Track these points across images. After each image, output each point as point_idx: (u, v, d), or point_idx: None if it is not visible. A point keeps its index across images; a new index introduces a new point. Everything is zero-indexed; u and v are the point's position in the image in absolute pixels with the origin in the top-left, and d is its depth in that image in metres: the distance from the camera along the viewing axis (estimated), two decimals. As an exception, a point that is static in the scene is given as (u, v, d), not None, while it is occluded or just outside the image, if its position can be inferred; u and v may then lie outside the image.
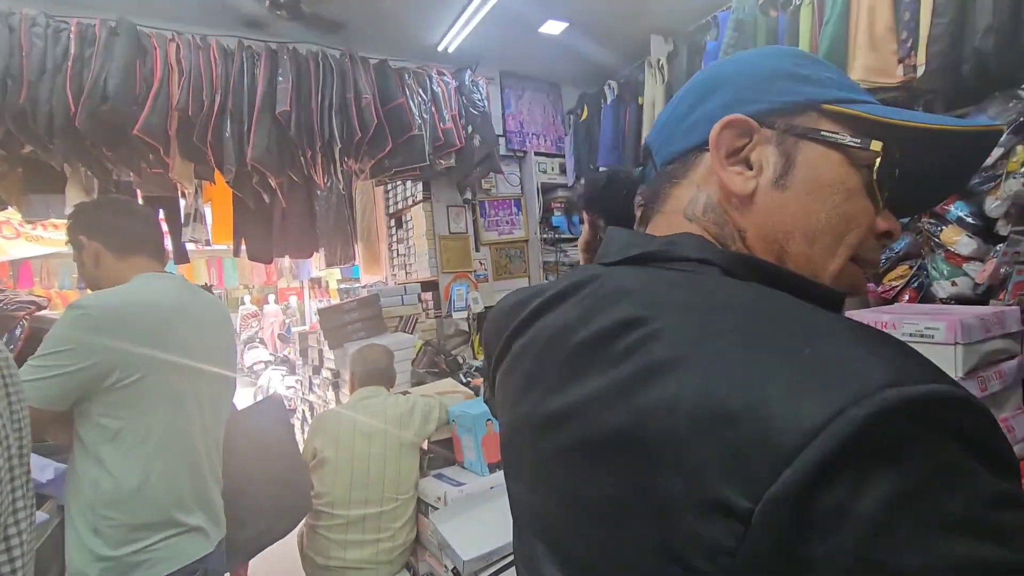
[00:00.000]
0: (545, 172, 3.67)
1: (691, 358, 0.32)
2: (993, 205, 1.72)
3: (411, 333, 2.91)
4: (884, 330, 0.94)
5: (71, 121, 2.03)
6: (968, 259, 1.82)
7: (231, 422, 1.31)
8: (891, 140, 0.43)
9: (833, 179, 0.44)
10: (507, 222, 3.58)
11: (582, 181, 3.58)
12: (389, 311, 2.95)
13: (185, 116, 2.20)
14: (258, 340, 8.47)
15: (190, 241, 3.15)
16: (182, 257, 3.20)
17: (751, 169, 0.45)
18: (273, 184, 2.55)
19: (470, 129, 3.04)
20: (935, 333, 0.93)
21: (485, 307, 3.33)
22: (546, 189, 3.70)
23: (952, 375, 0.91)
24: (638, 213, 0.55)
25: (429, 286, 3.31)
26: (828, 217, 0.44)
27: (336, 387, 2.81)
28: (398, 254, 3.68)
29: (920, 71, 1.81)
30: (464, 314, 3.28)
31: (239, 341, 9.16)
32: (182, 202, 3.16)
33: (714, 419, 0.29)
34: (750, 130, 0.45)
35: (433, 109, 2.91)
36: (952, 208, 1.84)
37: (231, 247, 3.38)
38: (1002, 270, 1.72)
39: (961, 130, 0.43)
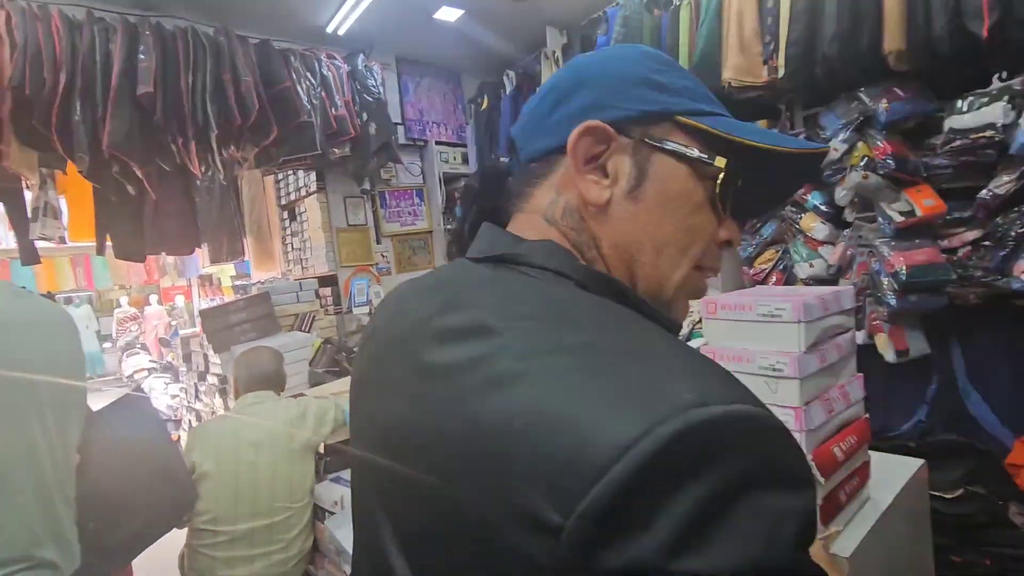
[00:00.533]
0: (447, 162, 3.63)
1: (530, 373, 0.32)
2: (841, 195, 1.93)
3: (308, 332, 2.77)
4: (738, 309, 1.02)
5: None
6: (823, 243, 2.03)
7: (88, 426, 1.19)
8: (734, 156, 0.46)
9: (681, 192, 0.46)
10: (409, 213, 3.50)
11: (484, 171, 3.58)
12: (283, 309, 2.78)
13: (21, 96, 1.91)
14: (138, 345, 7.67)
15: (40, 239, 2.76)
16: (31, 257, 2.79)
17: (607, 178, 0.46)
18: (139, 174, 2.29)
19: (365, 117, 2.92)
20: (783, 313, 1.02)
21: (388, 301, 3.24)
22: (449, 179, 3.65)
23: (796, 350, 1.01)
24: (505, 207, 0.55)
25: (328, 281, 3.16)
26: (675, 230, 0.46)
27: (224, 393, 2.61)
28: (293, 248, 3.48)
29: (781, 72, 1.98)
30: (366, 309, 3.17)
31: (116, 347, 8.26)
32: (28, 195, 2.75)
33: (539, 434, 0.30)
34: (607, 137, 0.46)
35: (323, 95, 2.76)
36: (809, 197, 2.05)
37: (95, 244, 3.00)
38: (849, 252, 1.95)
39: (792, 151, 0.47)
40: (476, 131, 3.53)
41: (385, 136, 2.99)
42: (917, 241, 1.77)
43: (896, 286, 1.74)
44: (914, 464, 1.35)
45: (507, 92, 3.32)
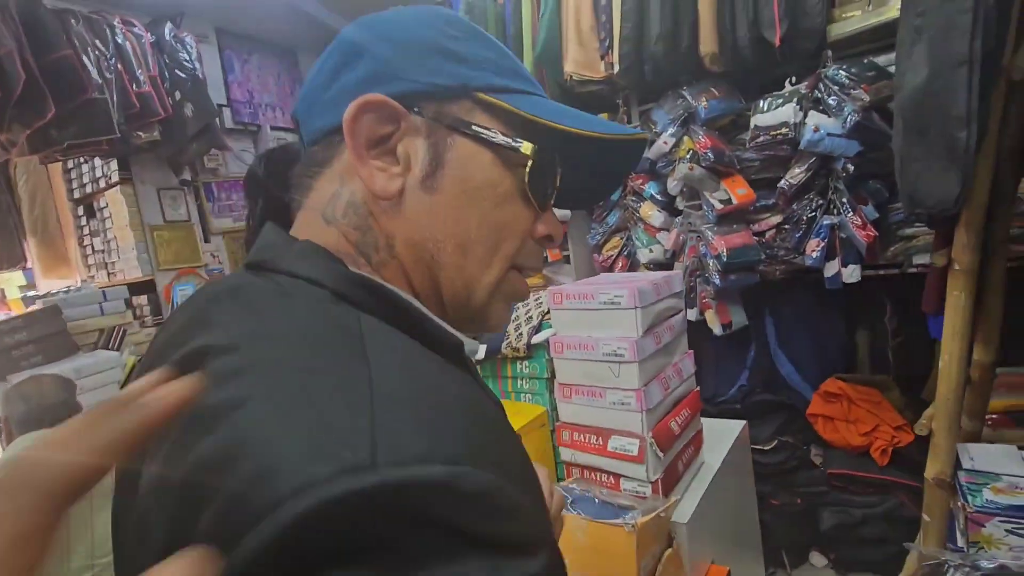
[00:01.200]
0: (287, 150, 3.30)
1: (241, 409, 0.26)
2: (672, 185, 2.09)
3: (117, 350, 2.33)
4: (582, 298, 1.02)
5: None
6: (659, 229, 2.19)
7: None
8: (546, 141, 0.40)
9: (485, 182, 0.40)
10: (244, 206, 3.13)
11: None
12: (82, 324, 2.31)
13: None
14: None
15: None
16: None
17: (398, 164, 0.39)
18: None
19: (178, 96, 2.52)
20: (621, 300, 1.05)
21: (224, 307, 2.87)
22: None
23: (634, 335, 1.04)
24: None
25: (142, 288, 2.69)
26: (480, 225, 0.40)
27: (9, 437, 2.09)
28: (94, 250, 2.91)
29: (616, 68, 2.07)
30: (196, 318, 2.77)
31: None
32: None
33: (220, 476, 0.25)
34: (395, 116, 0.38)
35: (120, 67, 2.31)
36: (646, 187, 2.19)
37: None
38: (681, 237, 2.12)
39: (605, 136, 0.42)
40: (319, 117, 3.26)
41: (205, 118, 2.61)
42: (735, 226, 1.98)
43: (719, 267, 1.92)
44: (737, 425, 1.50)
45: (351, 76, 3.10)
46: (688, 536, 1.07)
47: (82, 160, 2.76)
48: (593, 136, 0.41)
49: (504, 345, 1.25)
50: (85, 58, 2.20)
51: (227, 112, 2.96)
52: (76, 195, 2.95)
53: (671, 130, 2.01)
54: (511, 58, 0.44)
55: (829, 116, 1.65)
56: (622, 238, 2.29)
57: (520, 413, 1.21)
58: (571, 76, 2.16)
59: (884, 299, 2.12)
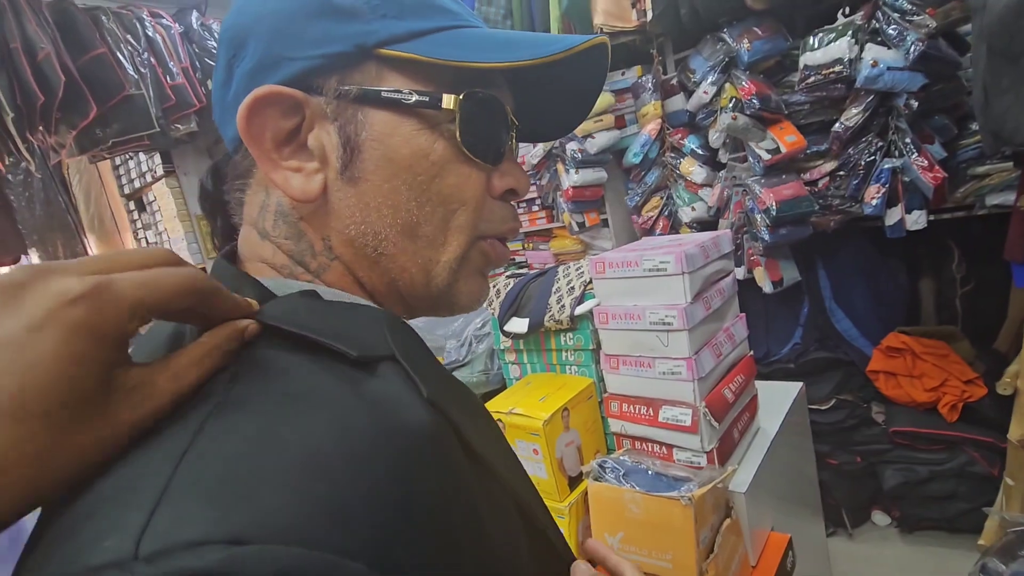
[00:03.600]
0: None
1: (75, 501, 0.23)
2: (714, 137, 1.98)
3: (178, 336, 2.45)
4: (625, 266, 0.98)
5: None
6: (702, 186, 2.09)
7: None
8: (477, 81, 0.34)
9: (412, 154, 0.34)
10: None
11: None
12: (144, 315, 2.43)
13: None
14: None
15: None
16: None
17: (314, 158, 0.34)
18: (-90, 174, 1.83)
19: (210, 84, 2.54)
20: (667, 265, 1.00)
21: (272, 290, 2.96)
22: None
23: (682, 301, 1.00)
24: None
25: (196, 276, 2.80)
26: (420, 204, 0.35)
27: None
28: (147, 242, 3.04)
29: (649, 15, 1.95)
30: (247, 302, 2.87)
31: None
32: None
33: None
34: (296, 103, 0.33)
35: (153, 61, 2.35)
36: (686, 142, 2.09)
37: None
38: (725, 192, 2.02)
39: (549, 59, 0.33)
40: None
41: (239, 106, 2.64)
42: (784, 177, 1.86)
43: (768, 221, 1.83)
44: (794, 388, 1.44)
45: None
46: (747, 505, 1.05)
47: (128, 156, 2.85)
48: (528, 64, 0.33)
49: (547, 318, 1.23)
50: (119, 55, 2.24)
51: (258, 97, 2.97)
52: (126, 190, 3.06)
53: (711, 77, 1.89)
54: None
55: (889, 48, 1.51)
56: (662, 197, 2.20)
57: (566, 386, 1.20)
58: (601, 28, 2.05)
59: (950, 244, 1.97)
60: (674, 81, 2.08)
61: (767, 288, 2.00)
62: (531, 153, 2.34)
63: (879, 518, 1.96)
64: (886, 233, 1.71)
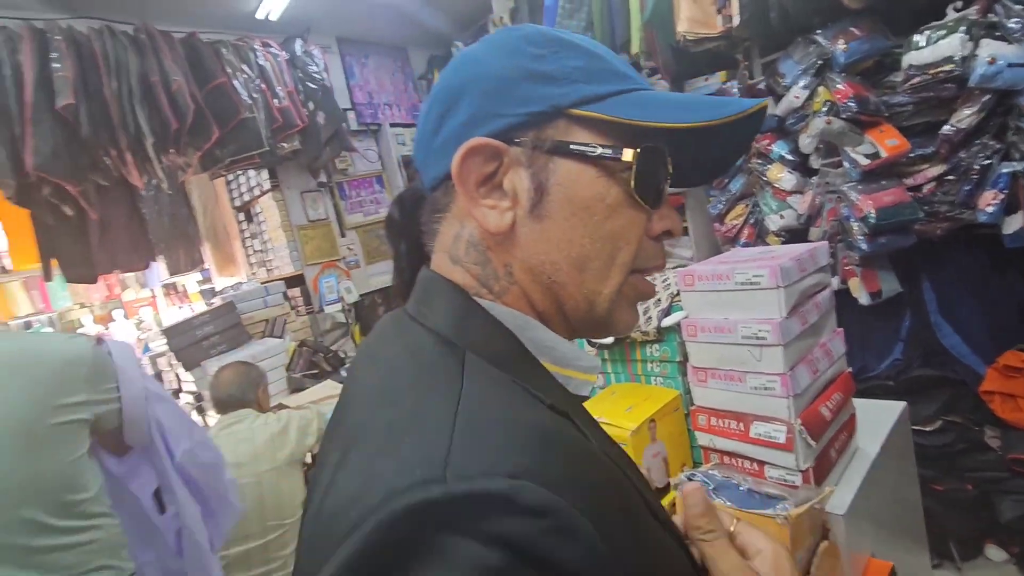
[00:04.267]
0: (404, 144, 3.49)
1: (357, 449, 0.33)
2: (805, 142, 1.91)
3: (280, 336, 2.68)
4: (715, 279, 0.99)
5: None
6: (791, 193, 2.02)
7: None
8: (651, 138, 0.39)
9: (591, 197, 0.40)
10: (371, 201, 3.38)
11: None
12: (251, 316, 2.68)
13: (-76, 122, 1.75)
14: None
15: (-21, 271, 2.59)
16: (-27, 291, 2.62)
17: (507, 199, 0.40)
18: (73, 193, 2.14)
19: (312, 106, 2.77)
20: (761, 279, 1.00)
21: (360, 295, 3.16)
22: (408, 162, 3.52)
23: (777, 315, 0.99)
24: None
25: (295, 281, 3.05)
26: (593, 240, 0.40)
27: (201, 411, 2.52)
28: (254, 250, 3.34)
29: (736, 21, 1.92)
30: (338, 306, 3.08)
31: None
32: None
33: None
34: (497, 152, 0.39)
35: (263, 87, 2.60)
36: (774, 147, 2.02)
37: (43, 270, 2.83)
38: (817, 200, 1.94)
39: (720, 122, 0.39)
40: (430, 108, 3.40)
41: (335, 123, 2.85)
42: (884, 182, 1.76)
43: (866, 229, 1.74)
44: (897, 407, 1.36)
45: (458, 64, 3.18)
46: (846, 529, 1.02)
47: (239, 173, 3.15)
48: (701, 126, 0.39)
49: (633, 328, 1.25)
50: (235, 82, 2.50)
51: (351, 115, 3.19)
52: (236, 203, 3.39)
53: (803, 81, 1.83)
54: (602, 57, 0.42)
55: (1009, 43, 1.40)
56: (747, 205, 2.14)
57: (652, 397, 1.21)
58: (684, 36, 2.03)
59: (1083, 255, 1.78)
60: (761, 86, 2.03)
61: (863, 300, 1.89)
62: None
63: (994, 553, 1.80)
64: (1005, 243, 1.57)
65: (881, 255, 1.85)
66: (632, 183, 0.40)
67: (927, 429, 1.81)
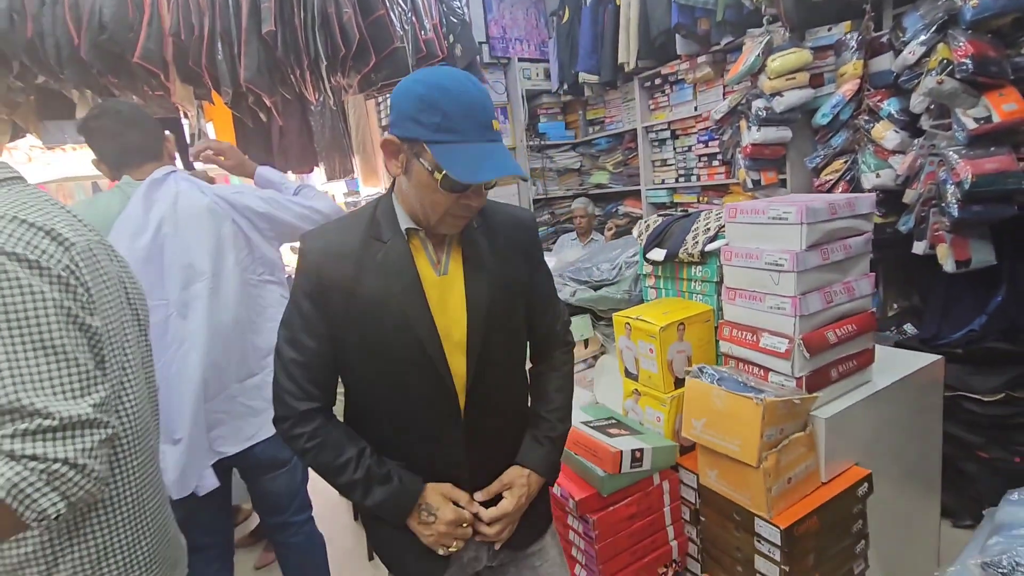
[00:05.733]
0: (529, 79, 3.74)
1: None
2: (916, 101, 1.89)
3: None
4: (753, 213, 1.20)
5: (76, 51, 2.21)
6: (893, 152, 2.02)
7: None
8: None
9: (424, 183, 0.83)
10: (494, 131, 3.72)
11: (565, 87, 3.65)
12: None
13: (179, 41, 2.35)
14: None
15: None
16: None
17: (399, 163, 0.86)
18: (268, 103, 2.72)
19: (451, 38, 3.11)
20: (789, 216, 1.19)
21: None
22: (531, 96, 3.78)
23: (797, 247, 1.19)
24: None
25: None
26: (423, 200, 0.85)
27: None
28: (393, 166, 3.87)
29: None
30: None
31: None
32: (185, 122, 3.34)
33: None
34: (396, 142, 0.83)
35: (414, 19, 2.97)
36: (884, 105, 2.01)
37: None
38: (918, 162, 1.93)
39: (475, 185, 0.82)
40: (558, 45, 3.59)
41: (470, 56, 3.17)
42: (992, 149, 1.73)
43: (959, 195, 1.74)
44: (927, 359, 1.48)
45: (588, 3, 3.31)
46: (826, 430, 1.23)
47: (387, 96, 3.63)
48: (464, 183, 0.80)
49: (681, 251, 1.49)
50: (391, 15, 2.90)
51: (485, 48, 3.50)
52: (383, 123, 3.91)
53: (923, 36, 1.80)
54: (450, 117, 0.78)
55: None
56: (846, 161, 2.16)
57: (688, 308, 1.46)
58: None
59: None
60: (884, 39, 2.00)
61: (948, 267, 1.90)
62: (716, 109, 2.44)
63: (1035, 528, 1.83)
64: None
65: (977, 223, 1.83)
66: (439, 185, 0.81)
67: (986, 399, 1.85)
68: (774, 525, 1.17)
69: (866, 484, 1.28)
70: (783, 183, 2.42)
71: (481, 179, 0.78)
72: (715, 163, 2.78)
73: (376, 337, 0.87)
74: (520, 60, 3.67)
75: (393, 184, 0.91)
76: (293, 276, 0.96)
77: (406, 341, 0.87)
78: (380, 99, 3.74)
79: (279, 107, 2.79)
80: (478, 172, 0.77)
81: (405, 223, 0.88)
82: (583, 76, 3.42)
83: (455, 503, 0.93)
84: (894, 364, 1.47)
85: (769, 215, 1.24)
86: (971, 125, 1.71)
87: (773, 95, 2.19)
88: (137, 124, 1.46)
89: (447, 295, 0.90)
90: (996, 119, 1.68)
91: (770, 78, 2.18)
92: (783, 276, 1.23)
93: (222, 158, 1.75)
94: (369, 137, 3.98)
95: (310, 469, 1.01)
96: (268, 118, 3.06)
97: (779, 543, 1.17)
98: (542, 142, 3.83)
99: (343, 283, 0.86)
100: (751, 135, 2.28)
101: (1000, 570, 0.70)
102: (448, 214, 0.85)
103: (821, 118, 2.15)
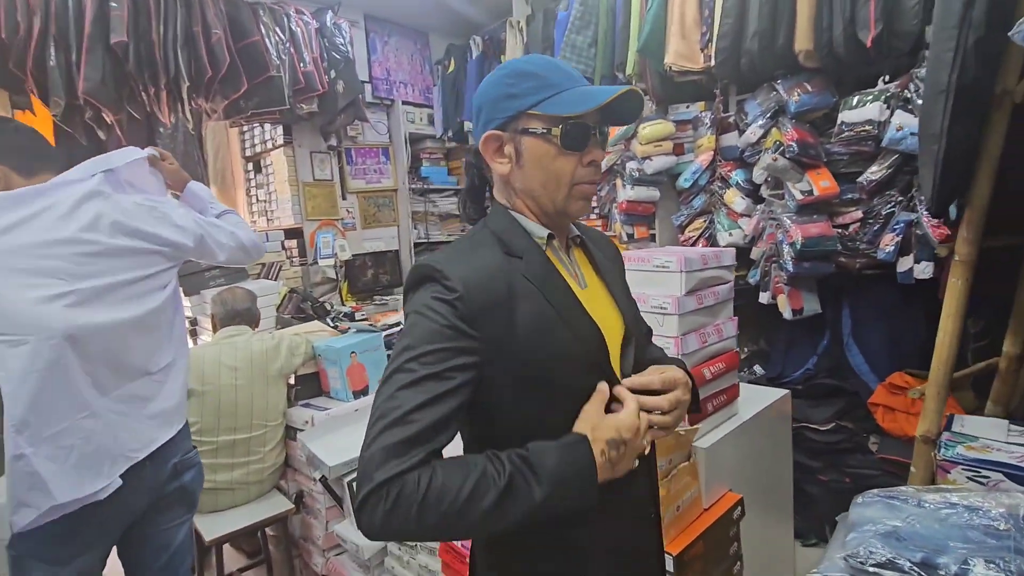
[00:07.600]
0: (413, 122, 3.75)
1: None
2: (756, 173, 2.22)
3: (275, 280, 2.93)
4: (639, 261, 1.28)
5: None
6: (741, 215, 2.33)
7: None
8: (569, 119, 0.72)
9: (542, 154, 0.74)
10: (375, 171, 3.64)
11: (450, 134, 3.72)
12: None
13: (-6, 37, 1.97)
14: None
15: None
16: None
17: (506, 158, 0.76)
18: (109, 120, 2.37)
19: (333, 74, 3.02)
20: (670, 264, 1.30)
21: (353, 255, 3.41)
22: (414, 139, 3.78)
23: (677, 293, 1.29)
24: None
25: (293, 233, 3.30)
26: (547, 174, 0.75)
27: (194, 335, 2.77)
28: (258, 200, 3.57)
29: (714, 61, 2.22)
30: (331, 262, 3.33)
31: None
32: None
33: None
34: (499, 136, 0.75)
35: (292, 50, 2.84)
36: (733, 175, 2.33)
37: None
38: (761, 224, 2.25)
39: (605, 104, 0.71)
40: (443, 93, 3.66)
41: (352, 94, 3.10)
42: (815, 216, 2.07)
43: (793, 254, 2.05)
44: (778, 393, 1.68)
45: (473, 56, 3.45)
46: (706, 459, 1.32)
47: (255, 125, 3.39)
48: (593, 109, 0.71)
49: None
50: (267, 42, 2.74)
51: (368, 88, 3.44)
52: (247, 153, 3.62)
53: (760, 121, 2.13)
54: (545, 78, 0.73)
55: (915, 115, 1.71)
56: (705, 220, 2.45)
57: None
58: (671, 67, 2.32)
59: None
60: (731, 119, 2.33)
61: (787, 315, 2.20)
62: (593, 166, 2.64)
63: (860, 540, 2.12)
64: (898, 279, 1.89)
65: (807, 278, 2.16)
66: (559, 142, 0.72)
67: (821, 428, 2.13)
68: (667, 553, 1.20)
69: (740, 508, 1.39)
70: (653, 237, 2.66)
71: (603, 99, 0.70)
72: (593, 216, 2.99)
73: (546, 363, 0.71)
74: (404, 103, 3.67)
75: (491, 198, 0.83)
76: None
77: (577, 363, 0.73)
78: (246, 127, 3.47)
79: (123, 125, 2.43)
80: (594, 97, 0.70)
81: (537, 231, 0.77)
82: (468, 124, 3.52)
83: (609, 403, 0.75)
84: (753, 399, 1.64)
85: (654, 263, 1.34)
86: (799, 196, 2.04)
87: (644, 158, 2.43)
88: None
89: (595, 307, 0.77)
90: (816, 193, 2.02)
91: (641, 143, 2.43)
92: (667, 318, 1.32)
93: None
94: (229, 167, 3.65)
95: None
96: (108, 136, 2.65)
97: (672, 570, 1.20)
98: (425, 186, 3.82)
99: (502, 302, 0.69)
100: (626, 192, 2.50)
101: (859, 559, 0.81)
102: (575, 184, 0.74)
103: (683, 182, 2.42)
